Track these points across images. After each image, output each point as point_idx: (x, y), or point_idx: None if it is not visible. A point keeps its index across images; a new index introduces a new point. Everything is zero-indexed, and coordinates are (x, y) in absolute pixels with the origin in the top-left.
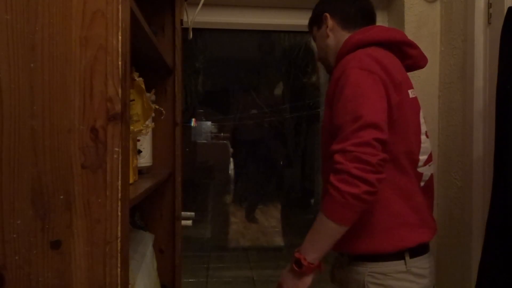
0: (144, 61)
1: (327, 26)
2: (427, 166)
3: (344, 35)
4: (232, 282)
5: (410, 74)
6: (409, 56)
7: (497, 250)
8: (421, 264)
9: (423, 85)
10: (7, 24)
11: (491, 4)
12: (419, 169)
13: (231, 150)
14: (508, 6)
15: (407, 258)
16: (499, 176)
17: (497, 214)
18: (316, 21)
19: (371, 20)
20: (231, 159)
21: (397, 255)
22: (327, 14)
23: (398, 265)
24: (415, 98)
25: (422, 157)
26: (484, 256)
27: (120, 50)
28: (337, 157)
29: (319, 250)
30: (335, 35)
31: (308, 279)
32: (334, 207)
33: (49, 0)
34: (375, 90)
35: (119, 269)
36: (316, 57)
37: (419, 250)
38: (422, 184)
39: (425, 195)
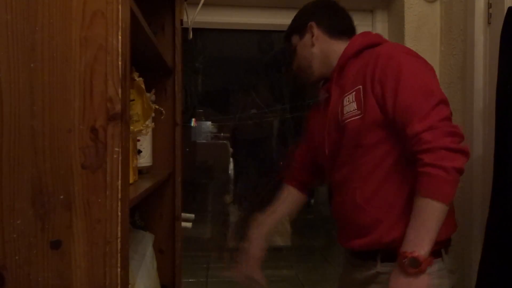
0: (144, 61)
1: (313, 35)
2: None
3: (331, 44)
4: (232, 282)
5: None
6: None
7: (497, 250)
8: (452, 261)
9: None
10: (7, 24)
11: (491, 4)
12: None
13: (231, 150)
14: (508, 6)
15: (444, 254)
16: (499, 176)
17: (497, 214)
18: (298, 30)
19: (353, 32)
20: (231, 159)
21: (436, 253)
22: (313, 23)
23: (438, 262)
24: None
25: None
26: (484, 256)
27: (120, 50)
28: (427, 136)
29: (431, 239)
30: (321, 44)
31: (426, 277)
32: (441, 187)
33: (49, 0)
34: (430, 72)
35: (119, 269)
36: (294, 66)
37: (448, 246)
38: None
39: None
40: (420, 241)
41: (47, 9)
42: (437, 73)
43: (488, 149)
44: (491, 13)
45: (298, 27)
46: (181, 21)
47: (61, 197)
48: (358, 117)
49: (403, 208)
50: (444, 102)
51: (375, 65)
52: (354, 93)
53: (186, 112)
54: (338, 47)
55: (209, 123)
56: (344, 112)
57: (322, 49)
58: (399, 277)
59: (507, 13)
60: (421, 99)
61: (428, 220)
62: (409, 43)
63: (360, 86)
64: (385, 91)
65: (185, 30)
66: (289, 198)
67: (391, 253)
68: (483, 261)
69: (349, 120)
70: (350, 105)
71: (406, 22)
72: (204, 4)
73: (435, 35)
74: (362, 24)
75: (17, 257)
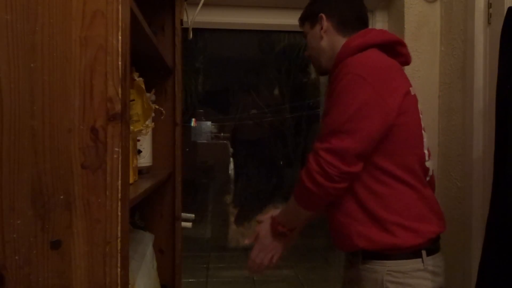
0: (144, 61)
1: (322, 27)
2: (430, 160)
3: (339, 40)
4: (232, 282)
5: (410, 74)
6: (401, 54)
7: (497, 250)
8: (436, 262)
9: (423, 85)
10: (7, 24)
11: (491, 4)
12: (426, 164)
13: (231, 150)
14: (508, 6)
15: (424, 256)
16: (499, 176)
17: (497, 214)
18: (310, 18)
19: (365, 25)
20: (231, 159)
21: (415, 253)
22: (323, 15)
23: (416, 263)
24: (415, 96)
25: (426, 152)
26: (484, 256)
27: (120, 50)
28: (310, 156)
29: (290, 223)
30: (329, 38)
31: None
32: (299, 195)
33: (49, 0)
34: (365, 97)
35: (119, 269)
36: (306, 53)
37: (433, 248)
38: (427, 178)
39: (431, 189)
40: (282, 220)
41: (47, 9)
42: (437, 73)
43: (488, 149)
44: (491, 13)
45: (310, 15)
46: (181, 21)
47: (61, 197)
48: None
49: (367, 218)
50: (347, 133)
51: (337, 78)
52: (325, 98)
53: (186, 112)
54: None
55: (209, 123)
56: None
57: (330, 43)
58: (267, 230)
59: (507, 13)
60: (330, 123)
61: (289, 210)
62: (409, 43)
63: (329, 95)
64: (328, 100)
65: (185, 30)
66: None
67: (370, 253)
68: (483, 261)
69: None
70: (322, 109)
71: (406, 22)
72: (204, 4)
73: (435, 35)
74: None
75: (17, 257)
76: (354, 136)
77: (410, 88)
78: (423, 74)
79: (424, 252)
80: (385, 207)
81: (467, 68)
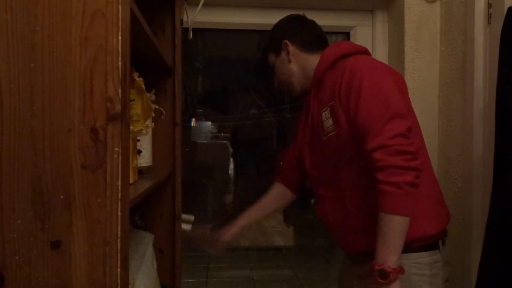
0: (144, 61)
1: (288, 52)
2: None
3: (308, 58)
4: (232, 282)
5: (410, 74)
6: None
7: (497, 250)
8: (447, 252)
9: (423, 85)
10: (7, 24)
11: (491, 4)
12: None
13: (231, 150)
14: (508, 6)
15: (441, 246)
16: (499, 176)
17: (497, 214)
18: (274, 48)
19: (326, 42)
20: (231, 159)
21: (434, 245)
22: (287, 41)
23: (435, 254)
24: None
25: None
26: (484, 256)
27: (120, 50)
28: (378, 155)
29: (396, 250)
30: (297, 60)
31: (397, 285)
32: (396, 202)
33: (49, 0)
34: (390, 84)
35: (119, 269)
36: (276, 82)
37: (445, 239)
38: None
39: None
40: (386, 253)
41: (47, 9)
42: (437, 73)
43: (488, 149)
44: (491, 13)
45: (273, 45)
46: (181, 21)
47: (61, 197)
48: (335, 132)
49: None
50: (398, 115)
51: (341, 81)
52: (329, 109)
53: (186, 112)
54: (314, 61)
55: (209, 123)
56: (324, 128)
57: (299, 64)
58: (359, 281)
59: (507, 13)
60: (376, 115)
61: (390, 233)
62: (409, 43)
63: (333, 102)
64: (349, 106)
65: (185, 30)
66: (277, 195)
67: None
68: (483, 261)
69: (328, 135)
70: (327, 120)
71: (406, 22)
72: (204, 4)
73: (435, 35)
74: (362, 24)
75: (17, 257)
76: (403, 116)
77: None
78: (423, 74)
79: (440, 243)
80: None
81: (467, 68)
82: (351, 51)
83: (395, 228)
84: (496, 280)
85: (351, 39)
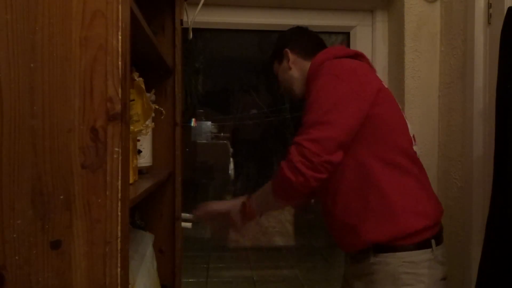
0: (144, 61)
1: (289, 60)
2: (416, 145)
3: (306, 64)
4: (232, 282)
5: (410, 74)
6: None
7: (497, 250)
8: (443, 253)
9: (423, 85)
10: (7, 24)
11: (491, 4)
12: (414, 148)
13: (231, 150)
14: (508, 6)
15: (434, 246)
16: (499, 176)
17: (497, 214)
18: (277, 56)
19: (324, 46)
20: (231, 159)
21: (425, 244)
22: (287, 49)
23: (426, 253)
24: (389, 91)
25: (411, 135)
26: (484, 256)
27: (120, 50)
28: (291, 148)
29: (260, 211)
30: (297, 67)
31: (237, 216)
32: (277, 186)
33: (49, 0)
34: (339, 92)
35: (119, 269)
36: (280, 89)
37: (440, 238)
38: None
39: (424, 172)
40: (254, 204)
41: (47, 9)
42: (437, 73)
43: (488, 149)
44: (491, 13)
45: (276, 54)
46: (181, 21)
47: (61, 197)
48: None
49: (373, 213)
50: (328, 123)
51: (312, 82)
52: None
53: (186, 112)
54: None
55: (209, 123)
56: None
57: (299, 70)
58: (236, 208)
59: (507, 13)
60: (310, 118)
61: (264, 197)
62: (409, 43)
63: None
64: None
65: (185, 30)
66: None
67: (382, 246)
68: (483, 261)
69: None
70: None
71: (406, 22)
72: (204, 4)
73: (435, 35)
74: (362, 24)
75: (17, 257)
76: (333, 126)
77: (383, 85)
78: (423, 74)
79: (433, 242)
80: (388, 197)
81: (467, 68)
82: (338, 55)
83: (269, 200)
84: (496, 280)
85: (351, 39)
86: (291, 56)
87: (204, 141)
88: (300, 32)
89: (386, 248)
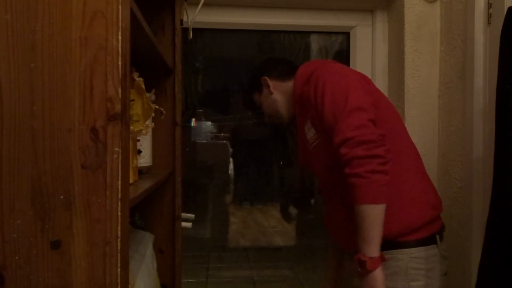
0: (144, 61)
1: (269, 86)
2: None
3: (287, 84)
4: (232, 282)
5: (410, 74)
6: None
7: (497, 250)
8: (445, 248)
9: (423, 85)
10: (7, 24)
11: (491, 4)
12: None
13: (231, 150)
14: (508, 6)
15: (438, 241)
16: (499, 176)
17: (497, 214)
18: (256, 87)
19: (296, 67)
20: (231, 159)
21: (431, 240)
22: (265, 77)
23: (433, 249)
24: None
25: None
26: (484, 256)
27: (120, 50)
28: (342, 150)
29: (372, 239)
30: (278, 89)
31: (379, 273)
32: (364, 192)
33: (49, 0)
34: (349, 83)
35: (119, 269)
36: (266, 118)
37: (443, 233)
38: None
39: (423, 164)
40: (363, 244)
41: (47, 9)
42: (437, 73)
43: (488, 149)
44: (491, 13)
45: (254, 85)
46: (181, 21)
47: (61, 197)
48: (318, 140)
49: (389, 203)
50: (357, 109)
51: (310, 90)
52: (309, 120)
53: (186, 112)
54: (292, 84)
55: (209, 123)
56: (308, 139)
57: (281, 92)
58: (360, 282)
59: (507, 13)
60: (336, 112)
61: (364, 224)
62: (409, 43)
63: (311, 113)
64: (318, 112)
65: (185, 30)
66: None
67: (391, 242)
68: (483, 261)
69: (313, 145)
70: (310, 131)
71: (406, 22)
72: (204, 4)
73: (435, 35)
74: (362, 24)
75: (17, 257)
76: (362, 109)
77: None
78: (423, 74)
79: (438, 237)
80: (397, 189)
81: (467, 68)
82: (318, 66)
83: (367, 218)
84: (496, 279)
85: (351, 39)
86: (270, 82)
87: (204, 141)
88: (271, 59)
89: (395, 244)
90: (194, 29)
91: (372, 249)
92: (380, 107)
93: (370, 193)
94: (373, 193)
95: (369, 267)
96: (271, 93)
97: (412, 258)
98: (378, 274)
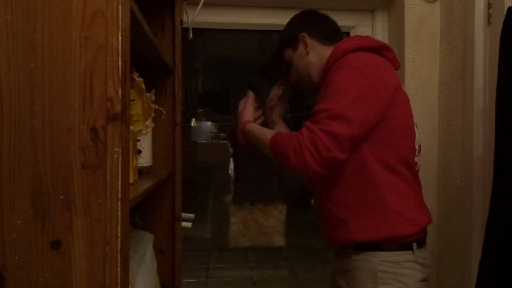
0: (144, 61)
1: (307, 45)
2: (418, 156)
3: (325, 49)
4: (232, 282)
5: (410, 74)
6: (388, 58)
7: (497, 250)
8: (424, 255)
9: (423, 85)
10: (7, 24)
11: (491, 4)
12: (416, 158)
13: (231, 150)
14: (508, 6)
15: (415, 248)
16: (499, 176)
17: (497, 214)
18: (291, 43)
19: (341, 35)
20: (231, 159)
21: (407, 246)
22: (304, 34)
23: (407, 254)
24: (406, 93)
25: (416, 147)
26: (484, 256)
27: (120, 50)
28: (304, 130)
29: (251, 140)
30: (316, 52)
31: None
32: (277, 146)
33: (49, 0)
34: (360, 87)
35: (119, 269)
36: (293, 78)
37: (423, 241)
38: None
39: (419, 183)
40: (250, 132)
41: (47, 9)
42: (437, 73)
43: (488, 149)
44: (491, 13)
45: (290, 40)
46: (181, 21)
47: (61, 197)
48: None
49: (366, 211)
50: (343, 118)
51: (331, 75)
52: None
53: (186, 112)
54: (329, 54)
55: (209, 123)
56: None
57: (317, 56)
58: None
59: (507, 13)
60: (327, 108)
61: (259, 139)
62: (409, 43)
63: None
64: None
65: (185, 30)
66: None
67: (365, 244)
68: (483, 261)
69: None
70: None
71: (406, 22)
72: (204, 4)
73: (435, 35)
74: (362, 24)
75: (17, 257)
76: (351, 123)
77: (402, 85)
78: (423, 74)
79: (414, 245)
80: (384, 198)
81: (467, 68)
82: (359, 47)
83: (263, 144)
84: (496, 280)
85: None
86: (309, 40)
87: (204, 141)
88: (315, 15)
89: (369, 246)
90: (194, 29)
91: (243, 127)
92: (397, 112)
93: (276, 151)
94: (276, 154)
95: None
96: (307, 53)
97: (382, 262)
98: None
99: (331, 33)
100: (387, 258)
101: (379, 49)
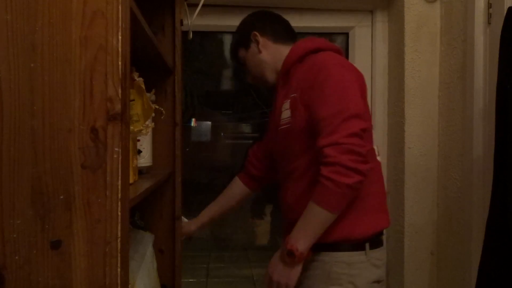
0: (144, 61)
1: (258, 43)
2: (379, 156)
3: (279, 48)
4: (232, 282)
5: (410, 74)
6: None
7: (497, 250)
8: (378, 256)
9: (423, 85)
10: (7, 24)
11: (491, 4)
12: (378, 158)
13: (230, 150)
14: (508, 6)
15: (367, 249)
16: (499, 176)
17: (497, 214)
18: (243, 42)
19: (295, 35)
20: (231, 159)
21: (360, 246)
22: (256, 32)
23: (360, 255)
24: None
25: (375, 147)
26: (484, 256)
27: (120, 50)
28: (328, 151)
29: (311, 238)
30: (269, 51)
31: (299, 268)
32: (329, 197)
33: (49, 0)
34: (354, 85)
35: (119, 269)
36: (249, 77)
37: (377, 242)
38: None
39: (381, 184)
40: (301, 237)
41: (47, 9)
42: (437, 73)
43: (488, 149)
44: (491, 13)
45: (242, 39)
46: (181, 21)
47: (61, 197)
48: (289, 125)
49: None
50: (356, 116)
51: (308, 75)
52: (289, 100)
53: (186, 112)
54: (284, 52)
55: (209, 123)
56: (280, 119)
57: (270, 54)
58: (278, 261)
59: (507, 13)
60: (335, 112)
61: (311, 222)
62: (409, 43)
63: (295, 94)
64: (310, 100)
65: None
66: (234, 192)
67: (319, 245)
68: (483, 261)
69: (282, 127)
70: (285, 112)
71: (406, 22)
72: (204, 5)
73: (435, 35)
74: (362, 25)
75: (17, 257)
76: (361, 117)
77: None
78: (423, 74)
79: (367, 245)
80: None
81: (467, 68)
82: (322, 47)
83: (320, 220)
84: (496, 280)
85: (351, 40)
86: (261, 39)
87: (204, 141)
88: (267, 15)
89: (323, 247)
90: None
91: (307, 245)
92: (367, 112)
93: (334, 202)
94: (336, 202)
95: (298, 260)
96: (260, 51)
97: (336, 262)
98: (298, 269)
99: (283, 32)
100: (341, 258)
101: (339, 52)
